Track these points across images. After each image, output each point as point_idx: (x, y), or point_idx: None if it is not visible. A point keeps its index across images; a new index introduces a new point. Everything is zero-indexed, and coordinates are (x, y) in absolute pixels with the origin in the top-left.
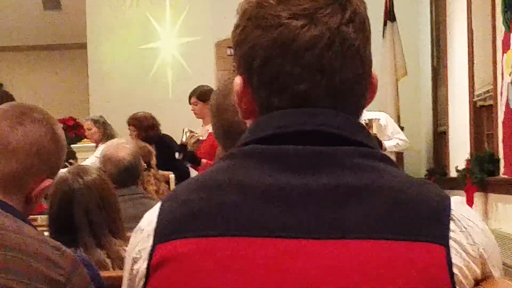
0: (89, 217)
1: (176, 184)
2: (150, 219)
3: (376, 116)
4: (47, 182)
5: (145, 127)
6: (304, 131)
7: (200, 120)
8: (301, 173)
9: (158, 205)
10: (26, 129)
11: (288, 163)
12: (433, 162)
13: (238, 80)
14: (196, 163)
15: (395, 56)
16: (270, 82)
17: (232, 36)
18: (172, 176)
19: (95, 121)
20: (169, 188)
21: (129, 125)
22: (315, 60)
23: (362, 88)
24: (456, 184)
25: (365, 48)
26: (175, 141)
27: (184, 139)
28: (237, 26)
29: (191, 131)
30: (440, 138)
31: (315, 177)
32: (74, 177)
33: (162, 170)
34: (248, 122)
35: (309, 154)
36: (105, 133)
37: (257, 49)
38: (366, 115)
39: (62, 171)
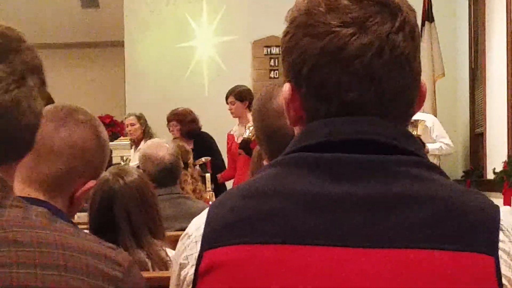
0: (129, 217)
1: (211, 183)
2: (198, 225)
3: (422, 117)
4: (91, 183)
5: (187, 121)
6: (352, 140)
7: (235, 120)
8: (348, 181)
9: (205, 211)
10: (70, 131)
11: (336, 171)
12: (470, 163)
13: (286, 87)
14: (249, 153)
15: (432, 57)
16: (318, 90)
17: (281, 43)
18: (208, 175)
19: (139, 117)
20: (205, 188)
21: (169, 121)
22: (364, 68)
23: (410, 96)
24: (493, 186)
25: (414, 57)
26: (213, 139)
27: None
28: (286, 33)
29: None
30: (477, 139)
31: (363, 186)
32: (115, 177)
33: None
34: (296, 129)
35: (356, 162)
36: (146, 130)
37: (306, 57)
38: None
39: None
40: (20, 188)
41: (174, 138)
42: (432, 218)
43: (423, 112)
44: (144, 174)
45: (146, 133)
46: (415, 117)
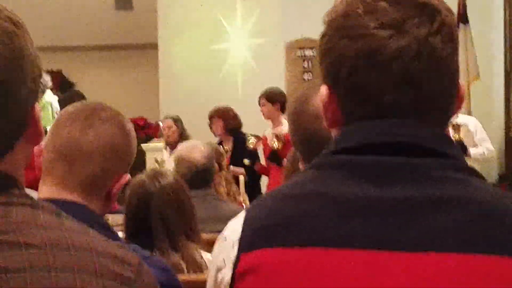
0: (165, 220)
1: (245, 185)
2: (235, 227)
3: (465, 120)
4: (125, 177)
5: (230, 117)
6: (389, 143)
7: (269, 122)
8: (386, 184)
9: (242, 214)
10: (97, 130)
11: (374, 174)
12: (505, 167)
13: (324, 89)
14: (278, 162)
15: (467, 59)
16: (356, 92)
17: (318, 45)
18: (242, 178)
19: (176, 120)
20: (239, 190)
21: (211, 117)
22: (401, 71)
23: (448, 99)
24: None
25: (452, 59)
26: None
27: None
28: (323, 35)
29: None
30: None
31: (400, 189)
32: (151, 180)
33: (235, 166)
34: (333, 132)
35: (394, 165)
36: (183, 133)
37: (343, 59)
38: (455, 119)
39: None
40: (55, 191)
41: (218, 135)
42: (470, 221)
43: (466, 114)
44: (179, 177)
45: (183, 136)
46: (457, 121)
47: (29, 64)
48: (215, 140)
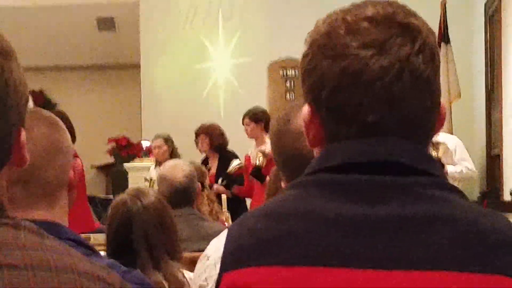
0: (147, 239)
1: (228, 203)
2: (217, 246)
3: (446, 139)
4: (77, 162)
5: (216, 135)
6: (372, 161)
7: (251, 141)
8: (370, 203)
9: (224, 233)
10: (33, 141)
11: (357, 192)
12: (486, 185)
13: (306, 109)
14: (261, 180)
15: (448, 78)
16: (338, 112)
17: (300, 65)
18: (224, 197)
19: (166, 140)
20: (221, 209)
21: (198, 134)
22: (384, 90)
23: (430, 118)
24: (509, 207)
25: (434, 79)
26: (238, 157)
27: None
28: (305, 55)
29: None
30: (493, 161)
31: (385, 207)
32: (133, 199)
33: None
34: (316, 151)
35: (378, 184)
36: (173, 152)
37: (326, 79)
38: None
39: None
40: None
41: (203, 152)
42: (455, 239)
43: (447, 133)
44: (159, 193)
45: (174, 155)
46: (438, 139)
47: (15, 94)
48: (201, 157)
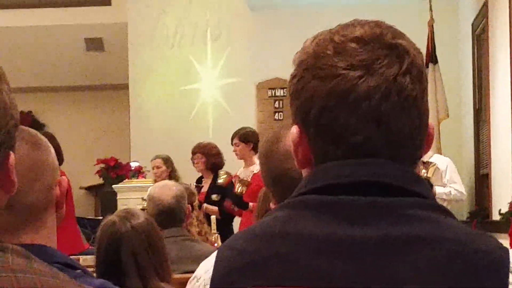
0: (136, 260)
1: (217, 224)
2: (206, 267)
3: (437, 159)
4: (64, 180)
5: (213, 154)
6: (361, 182)
7: (240, 162)
8: (358, 224)
9: (214, 254)
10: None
11: (345, 213)
12: (475, 204)
13: (294, 129)
14: (243, 207)
15: (436, 98)
16: (326, 133)
17: (288, 86)
18: (213, 218)
19: (165, 160)
20: (211, 229)
21: (194, 153)
22: (371, 111)
23: (418, 138)
24: (498, 227)
25: (422, 99)
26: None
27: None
28: (293, 76)
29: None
30: (482, 180)
31: (372, 228)
32: (122, 220)
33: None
34: (304, 172)
35: (366, 205)
36: (172, 173)
37: (314, 100)
38: (426, 157)
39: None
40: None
41: (199, 171)
42: (442, 260)
43: (436, 153)
44: (147, 214)
45: (172, 176)
46: (429, 159)
47: (4, 116)
48: (193, 176)
